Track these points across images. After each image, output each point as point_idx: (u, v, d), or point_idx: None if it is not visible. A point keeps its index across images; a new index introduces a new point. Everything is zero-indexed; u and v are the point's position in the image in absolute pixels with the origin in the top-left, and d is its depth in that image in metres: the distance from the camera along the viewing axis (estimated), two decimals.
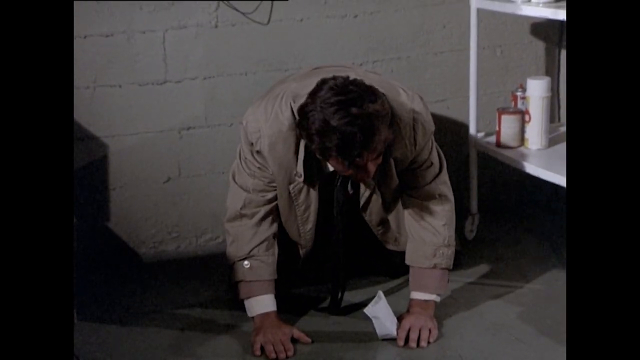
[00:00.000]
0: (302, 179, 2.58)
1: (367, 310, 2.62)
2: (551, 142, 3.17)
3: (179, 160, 3.24)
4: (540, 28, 3.52)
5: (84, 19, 3.00)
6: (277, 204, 2.70)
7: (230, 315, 2.80)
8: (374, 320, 2.62)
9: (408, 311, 2.68)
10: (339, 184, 2.62)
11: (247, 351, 2.59)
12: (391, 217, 2.81)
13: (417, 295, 2.70)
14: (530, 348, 2.57)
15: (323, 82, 2.37)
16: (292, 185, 2.62)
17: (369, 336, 2.63)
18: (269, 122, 2.54)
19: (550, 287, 2.92)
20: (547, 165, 2.99)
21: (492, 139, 3.23)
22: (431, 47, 3.41)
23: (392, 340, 2.62)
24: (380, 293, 2.66)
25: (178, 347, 2.62)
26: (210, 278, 3.06)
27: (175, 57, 3.15)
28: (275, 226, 2.71)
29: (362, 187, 2.70)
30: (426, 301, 2.68)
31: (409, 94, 2.58)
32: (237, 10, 3.15)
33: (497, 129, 3.20)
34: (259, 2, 3.17)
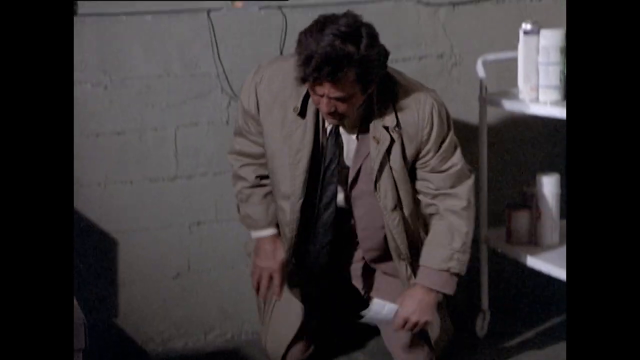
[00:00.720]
0: (297, 112, 2.66)
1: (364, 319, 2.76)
2: (562, 238, 3.16)
3: (188, 255, 3.24)
4: (549, 124, 3.54)
5: (96, 117, 3.05)
6: (262, 162, 2.82)
7: None
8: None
9: (407, 295, 2.74)
10: (329, 132, 2.71)
11: None
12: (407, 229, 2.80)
13: (422, 280, 2.75)
14: None
15: (347, 14, 2.54)
16: (288, 120, 2.69)
17: None
18: (275, 62, 2.78)
19: None
20: (559, 262, 2.97)
21: (503, 235, 3.23)
22: None
23: None
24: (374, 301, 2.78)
25: None
26: None
27: (186, 153, 3.18)
28: (256, 173, 2.84)
29: (371, 156, 2.69)
30: (430, 289, 2.73)
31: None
32: None
33: (507, 225, 3.19)
34: None
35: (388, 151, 2.69)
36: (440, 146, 2.72)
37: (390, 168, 2.71)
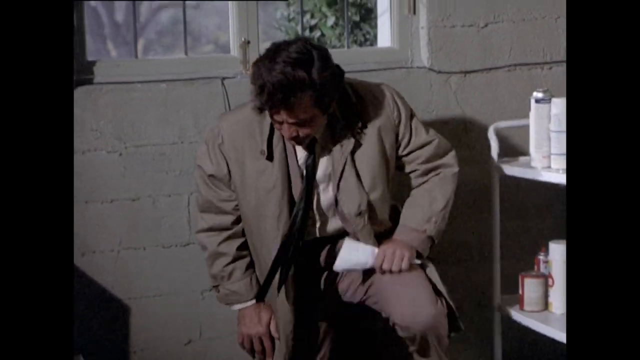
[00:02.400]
0: (265, 155, 2.69)
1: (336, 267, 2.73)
2: None
3: (200, 321, 3.22)
4: (562, 191, 3.55)
5: (111, 183, 3.07)
6: (239, 228, 2.81)
7: None
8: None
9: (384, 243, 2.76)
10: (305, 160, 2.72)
11: None
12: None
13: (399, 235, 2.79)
14: None
15: (298, 40, 2.61)
16: (262, 166, 2.70)
17: None
18: (227, 118, 2.82)
19: None
20: None
21: (516, 302, 3.21)
22: (453, 210, 3.42)
23: None
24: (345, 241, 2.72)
25: None
26: None
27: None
28: (236, 244, 2.82)
29: (334, 159, 2.71)
30: (406, 244, 2.75)
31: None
32: None
33: (520, 292, 3.18)
34: None
35: (353, 154, 2.72)
36: (411, 124, 2.81)
37: (357, 172, 2.72)
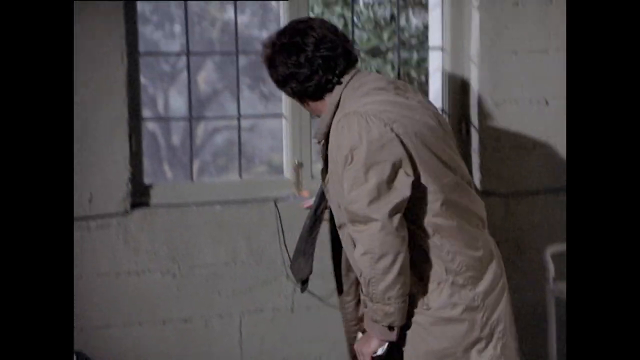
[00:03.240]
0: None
1: None
2: None
3: None
4: None
5: (164, 304, 3.10)
6: None
7: None
8: None
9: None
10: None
11: None
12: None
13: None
14: None
15: (324, 25, 2.48)
16: None
17: None
18: None
19: None
20: None
21: None
22: None
23: None
24: None
25: None
26: None
27: (251, 341, 3.19)
28: None
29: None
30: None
31: (367, 102, 2.39)
32: (313, 294, 3.20)
33: None
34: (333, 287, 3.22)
35: (327, 167, 2.51)
36: (345, 167, 2.34)
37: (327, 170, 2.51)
